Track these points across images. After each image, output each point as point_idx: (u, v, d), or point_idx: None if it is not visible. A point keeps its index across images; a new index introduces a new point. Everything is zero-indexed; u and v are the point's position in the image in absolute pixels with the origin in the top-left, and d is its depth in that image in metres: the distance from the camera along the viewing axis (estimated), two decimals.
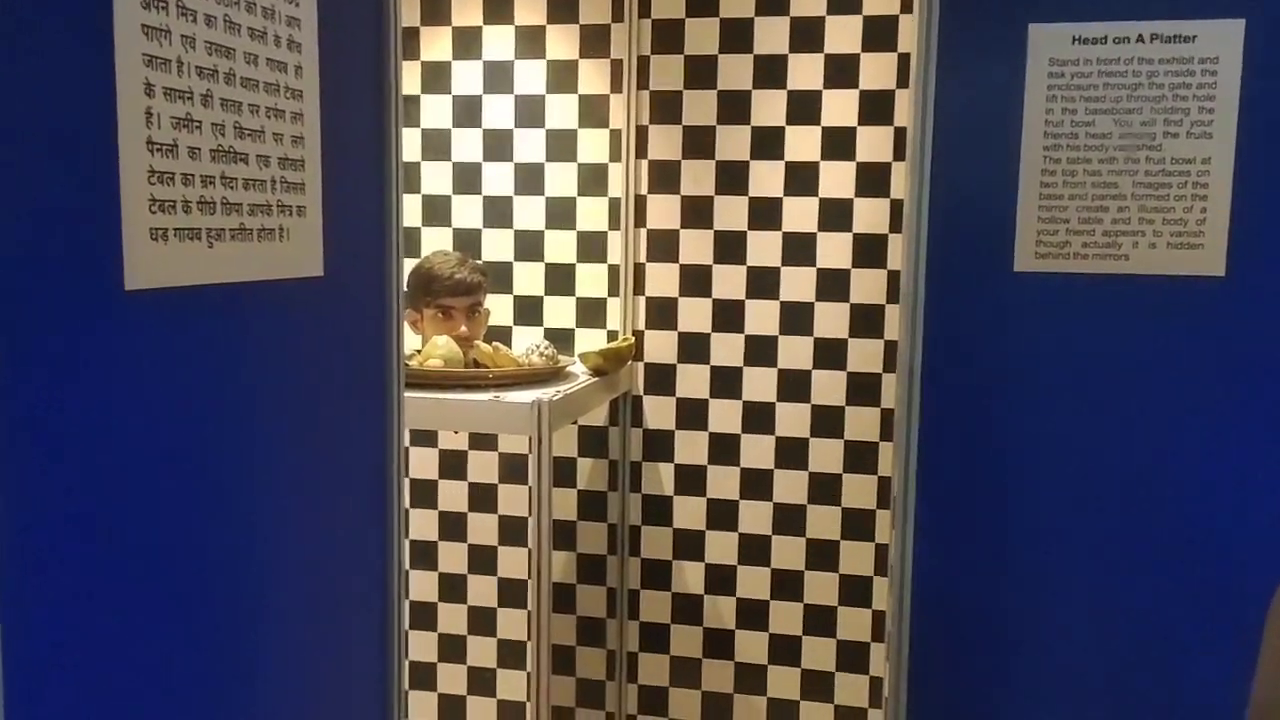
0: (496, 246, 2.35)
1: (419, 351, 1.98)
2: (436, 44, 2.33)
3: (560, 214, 2.31)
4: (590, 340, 2.31)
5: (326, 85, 1.05)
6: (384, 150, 1.18)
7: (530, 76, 2.30)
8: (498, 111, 2.32)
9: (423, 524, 2.45)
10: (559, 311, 2.34)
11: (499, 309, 2.36)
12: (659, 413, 2.32)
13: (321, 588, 1.10)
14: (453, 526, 2.44)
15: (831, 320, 2.22)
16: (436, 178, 2.36)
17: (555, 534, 2.40)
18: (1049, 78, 1.56)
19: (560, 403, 1.81)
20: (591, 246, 2.31)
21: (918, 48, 1.57)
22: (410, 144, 2.35)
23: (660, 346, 2.30)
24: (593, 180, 2.29)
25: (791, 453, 2.27)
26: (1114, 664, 1.59)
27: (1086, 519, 1.59)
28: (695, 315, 2.28)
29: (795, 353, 2.24)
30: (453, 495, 2.43)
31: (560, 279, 2.33)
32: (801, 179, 2.20)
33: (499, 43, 2.30)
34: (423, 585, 2.46)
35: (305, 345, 1.04)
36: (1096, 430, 1.59)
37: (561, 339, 2.33)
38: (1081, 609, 1.61)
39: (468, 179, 2.35)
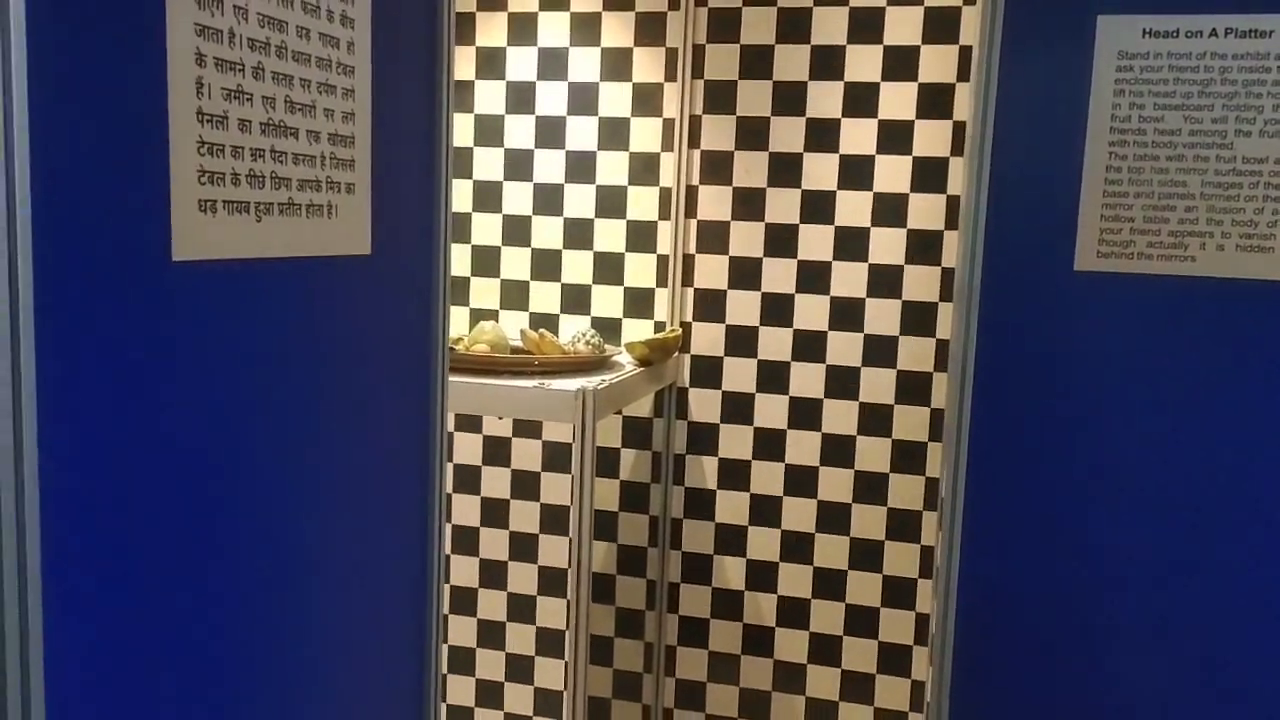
0: (546, 233, 2.34)
1: (464, 336, 1.97)
2: (492, 29, 2.33)
3: (610, 203, 2.30)
4: (637, 330, 2.30)
5: (379, 63, 1.04)
6: (434, 131, 1.17)
7: (584, 64, 2.28)
8: (551, 98, 2.31)
9: (465, 509, 2.45)
10: (607, 301, 2.33)
11: (547, 296, 2.35)
12: (704, 406, 2.30)
13: (361, 569, 1.09)
14: (494, 513, 2.44)
15: (883, 317, 2.18)
16: (488, 163, 2.36)
17: (596, 524, 2.39)
18: (1117, 71, 1.51)
19: (605, 392, 1.80)
20: (641, 236, 2.29)
21: (980, 38, 1.54)
22: (463, 129, 2.35)
23: (707, 339, 2.28)
24: (644, 169, 2.27)
25: (837, 450, 2.24)
26: (1166, 680, 1.55)
27: (1143, 531, 1.55)
28: (744, 308, 2.25)
29: (845, 349, 2.21)
30: (495, 481, 2.43)
31: (609, 268, 2.32)
32: (856, 173, 2.17)
33: (554, 29, 2.29)
34: (463, 570, 2.47)
35: (350, 323, 1.03)
36: (1156, 438, 1.54)
37: (609, 328, 2.32)
38: (1134, 622, 1.56)
39: (519, 165, 2.34)
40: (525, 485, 2.41)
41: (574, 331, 2.09)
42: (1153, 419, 1.54)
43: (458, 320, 2.38)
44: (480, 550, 2.46)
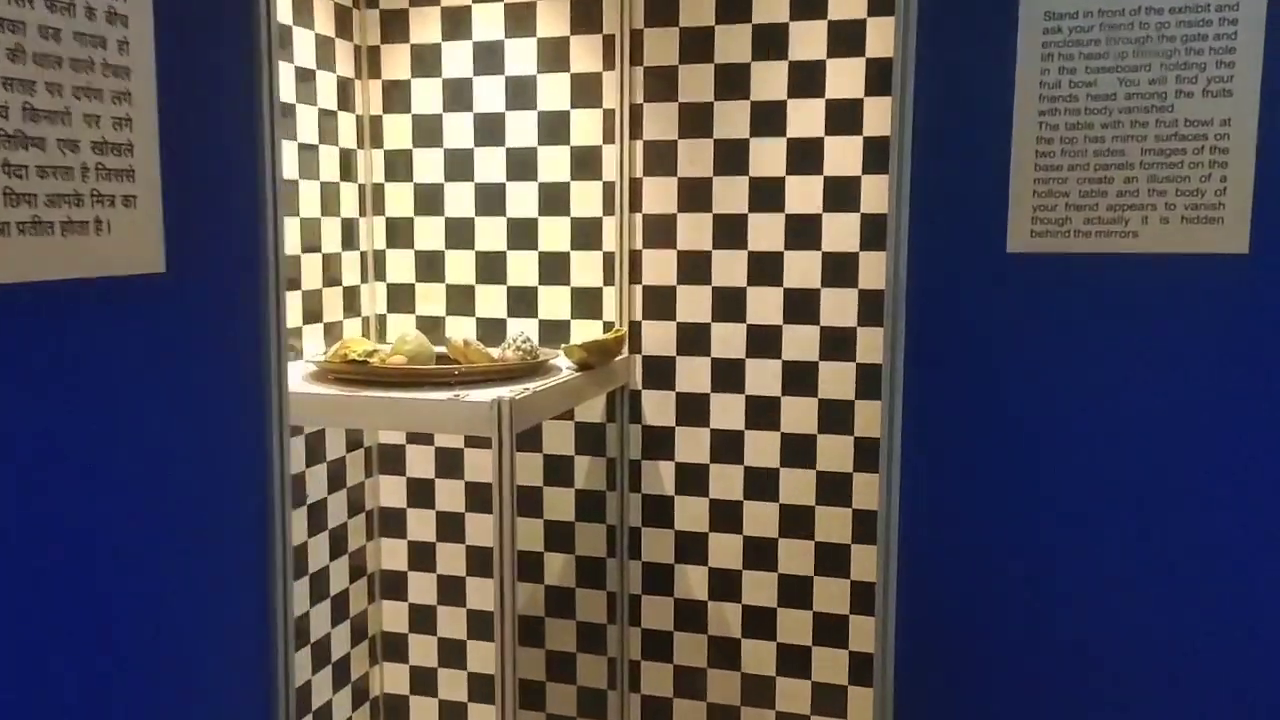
0: (489, 235, 2.25)
1: (379, 349, 1.87)
2: (426, 25, 2.23)
3: (554, 200, 2.20)
4: (586, 332, 2.20)
5: (169, 62, 0.95)
6: (256, 130, 1.07)
7: (521, 56, 2.18)
8: (489, 94, 2.21)
9: (420, 526, 2.37)
10: (554, 302, 2.23)
11: (493, 300, 2.26)
12: (658, 408, 2.19)
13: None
14: (423, 556, 2.36)
15: (839, 308, 2.06)
16: (429, 165, 2.27)
17: (553, 536, 2.30)
18: (1044, 34, 1.38)
19: (527, 401, 1.70)
20: (585, 234, 2.19)
21: (899, 4, 1.42)
22: (402, 130, 2.27)
23: (658, 338, 2.17)
24: (585, 163, 2.17)
25: (798, 450, 2.12)
26: (1113, 686, 1.42)
27: (1092, 527, 1.42)
28: (694, 304, 2.14)
29: (801, 343, 2.09)
30: (450, 495, 2.35)
31: (554, 268, 2.22)
32: (805, 157, 2.05)
33: (488, 21, 2.19)
34: (423, 587, 2.39)
35: (137, 352, 0.94)
36: (1103, 427, 1.41)
37: (557, 330, 2.22)
38: (1083, 624, 1.43)
39: (460, 166, 2.25)
40: (474, 500, 2.32)
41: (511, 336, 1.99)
42: (1099, 407, 1.40)
43: (405, 327, 2.30)
44: (438, 567, 2.38)
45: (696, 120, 2.09)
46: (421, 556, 2.39)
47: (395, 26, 2.24)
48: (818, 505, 2.12)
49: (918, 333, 1.47)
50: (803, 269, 2.07)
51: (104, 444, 0.90)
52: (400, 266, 2.31)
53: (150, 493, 0.96)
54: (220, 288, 1.04)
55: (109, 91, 0.89)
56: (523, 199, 2.22)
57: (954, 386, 1.47)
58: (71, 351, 0.87)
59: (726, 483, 2.17)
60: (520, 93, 2.19)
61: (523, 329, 2.19)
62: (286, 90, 2.03)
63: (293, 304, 2.08)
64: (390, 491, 2.39)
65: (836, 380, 2.08)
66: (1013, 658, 1.47)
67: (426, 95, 2.25)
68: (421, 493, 2.37)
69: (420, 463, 2.36)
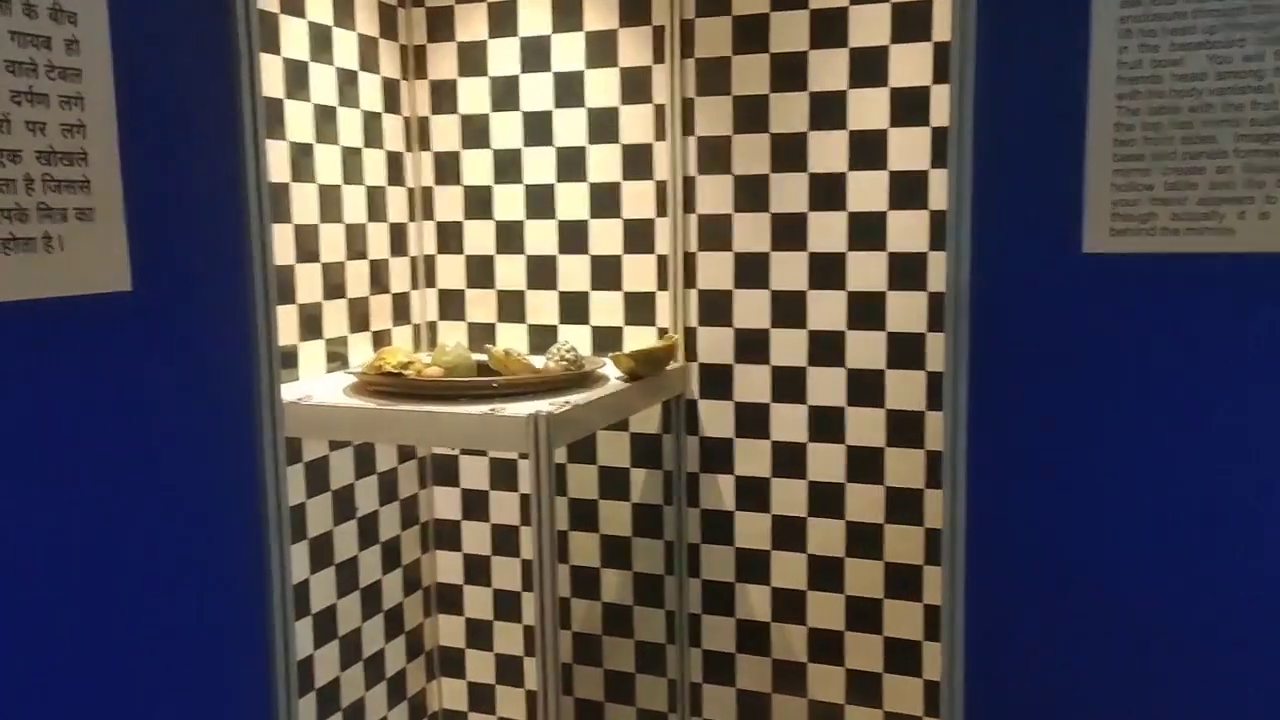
0: (540, 239, 2.16)
1: (415, 359, 1.80)
2: (472, 23, 2.16)
3: (604, 201, 2.10)
4: (639, 339, 2.10)
5: (129, 61, 0.87)
6: (237, 131, 1.00)
7: (568, 51, 2.09)
8: (536, 92, 2.12)
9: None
10: (606, 308, 2.13)
11: (544, 307, 2.17)
12: (716, 419, 2.08)
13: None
14: (478, 569, 2.28)
15: (906, 312, 1.92)
16: (477, 167, 2.20)
17: (609, 551, 2.20)
18: (1121, 7, 1.23)
19: (567, 415, 1.61)
20: (638, 236, 2.09)
21: None
22: (450, 131, 2.20)
23: (715, 345, 2.06)
24: (637, 162, 2.07)
25: (864, 465, 1.98)
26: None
27: (1181, 553, 1.26)
28: (752, 309, 2.02)
29: (866, 350, 1.95)
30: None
31: (606, 272, 2.12)
32: (868, 150, 1.91)
33: (535, 16, 2.11)
34: (478, 601, 2.32)
35: (98, 378, 0.87)
36: (1192, 444, 1.25)
37: (610, 338, 2.13)
38: (1171, 657, 1.28)
39: (508, 167, 2.17)
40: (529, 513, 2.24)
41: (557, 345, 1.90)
42: (1185, 425, 1.25)
43: (456, 334, 2.23)
44: (493, 581, 2.31)
45: (752, 114, 1.97)
46: (476, 570, 2.32)
47: (441, 24, 2.18)
48: (887, 523, 1.98)
49: (983, 341, 1.33)
50: (867, 271, 1.93)
51: (57, 484, 0.83)
52: (451, 272, 2.25)
53: (128, 541, 0.89)
54: (199, 306, 0.96)
55: (55, 96, 0.82)
56: (573, 200, 2.13)
57: (1024, 399, 1.32)
58: (21, 379, 0.80)
59: (789, 498, 2.05)
60: (568, 90, 2.10)
61: (568, 338, 2.10)
62: (328, 93, 1.98)
63: (339, 312, 2.03)
64: (445, 503, 2.32)
65: (905, 390, 1.94)
66: (1093, 695, 1.32)
67: (474, 95, 2.17)
68: (476, 505, 2.30)
69: (474, 474, 2.29)
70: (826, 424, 2.00)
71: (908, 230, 1.90)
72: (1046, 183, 1.28)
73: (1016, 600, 1.35)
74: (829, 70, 1.91)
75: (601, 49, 2.06)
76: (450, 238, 2.23)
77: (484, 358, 1.87)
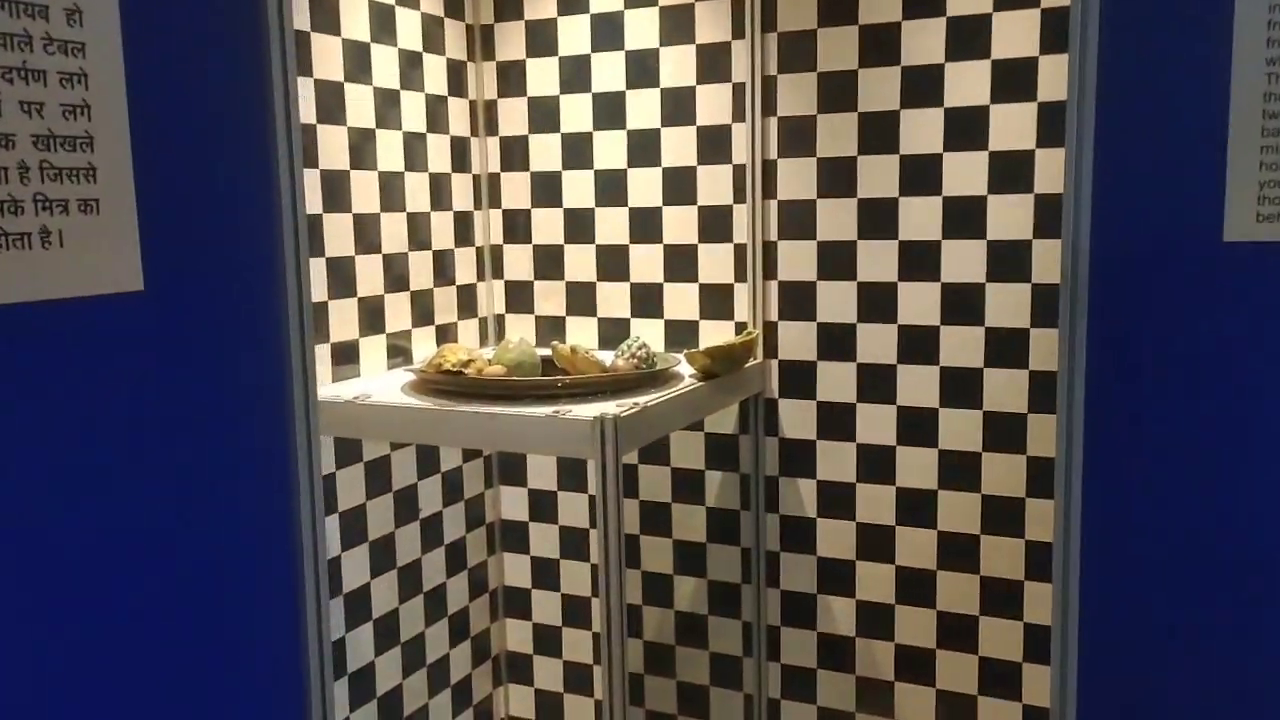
0: (611, 228, 2.05)
1: (476, 357, 1.69)
2: (541, 0, 2.05)
3: (679, 186, 1.98)
4: (716, 335, 1.97)
5: (140, 34, 0.78)
6: (266, 109, 0.90)
7: (642, 28, 1.97)
8: (608, 72, 2.01)
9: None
10: (681, 301, 2.01)
11: (615, 299, 2.06)
12: (797, 419, 1.94)
13: None
14: (546, 573, 2.18)
15: (1007, 306, 1.76)
16: (545, 152, 2.09)
17: (682, 557, 2.08)
18: None
19: (635, 417, 1.49)
20: (714, 224, 1.96)
21: None
22: (518, 116, 2.10)
23: (796, 340, 1.92)
24: (714, 145, 1.94)
25: (959, 471, 1.83)
26: None
27: None
28: (837, 302, 1.88)
29: (962, 347, 1.80)
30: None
31: (681, 263, 2.00)
32: (966, 129, 1.75)
33: None
34: (547, 606, 2.23)
35: (107, 386, 0.78)
36: None
37: (685, 333, 2.01)
38: None
39: (578, 152, 2.06)
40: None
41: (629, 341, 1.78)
42: None
43: (524, 328, 2.13)
44: (561, 585, 2.21)
45: (838, 91, 1.83)
46: (544, 574, 2.22)
47: (509, 2, 2.07)
48: (983, 534, 1.83)
49: (1103, 340, 1.18)
50: (963, 261, 1.78)
51: (59, 508, 0.75)
52: (518, 263, 2.14)
53: (154, 562, 0.80)
54: (222, 307, 0.87)
55: (55, 72, 0.73)
56: (646, 186, 2.01)
57: (1149, 403, 1.17)
58: (19, 390, 0.71)
59: (875, 505, 1.91)
60: (642, 69, 1.98)
61: (639, 334, 1.98)
62: (389, 77, 1.89)
63: (401, 305, 1.94)
64: (511, 504, 2.23)
65: (1005, 390, 1.78)
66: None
67: (542, 76, 2.06)
68: (544, 506, 2.20)
69: (542, 473, 2.19)
70: (917, 426, 1.85)
71: (1010, 216, 1.74)
72: (1180, 162, 1.12)
73: (1135, 625, 1.21)
74: (924, 42, 1.76)
75: (677, 24, 1.94)
76: (517, 227, 2.13)
77: (550, 354, 1.76)
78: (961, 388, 1.81)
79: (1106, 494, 1.19)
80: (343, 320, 1.81)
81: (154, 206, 0.80)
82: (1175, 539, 1.16)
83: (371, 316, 1.87)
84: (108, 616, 0.77)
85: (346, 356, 1.83)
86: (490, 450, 2.14)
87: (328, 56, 1.75)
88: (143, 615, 0.80)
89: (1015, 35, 1.70)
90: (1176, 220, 1.13)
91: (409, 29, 1.93)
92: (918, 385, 1.84)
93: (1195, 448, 1.15)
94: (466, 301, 2.13)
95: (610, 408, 1.50)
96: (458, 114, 2.07)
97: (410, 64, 1.94)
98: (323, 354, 1.77)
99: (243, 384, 0.89)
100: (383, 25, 1.87)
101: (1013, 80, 1.71)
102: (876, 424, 1.88)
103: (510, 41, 2.08)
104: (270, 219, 0.91)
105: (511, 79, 2.09)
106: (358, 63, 1.81)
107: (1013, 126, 1.72)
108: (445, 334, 2.06)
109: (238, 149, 0.88)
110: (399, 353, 1.95)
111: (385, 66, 1.87)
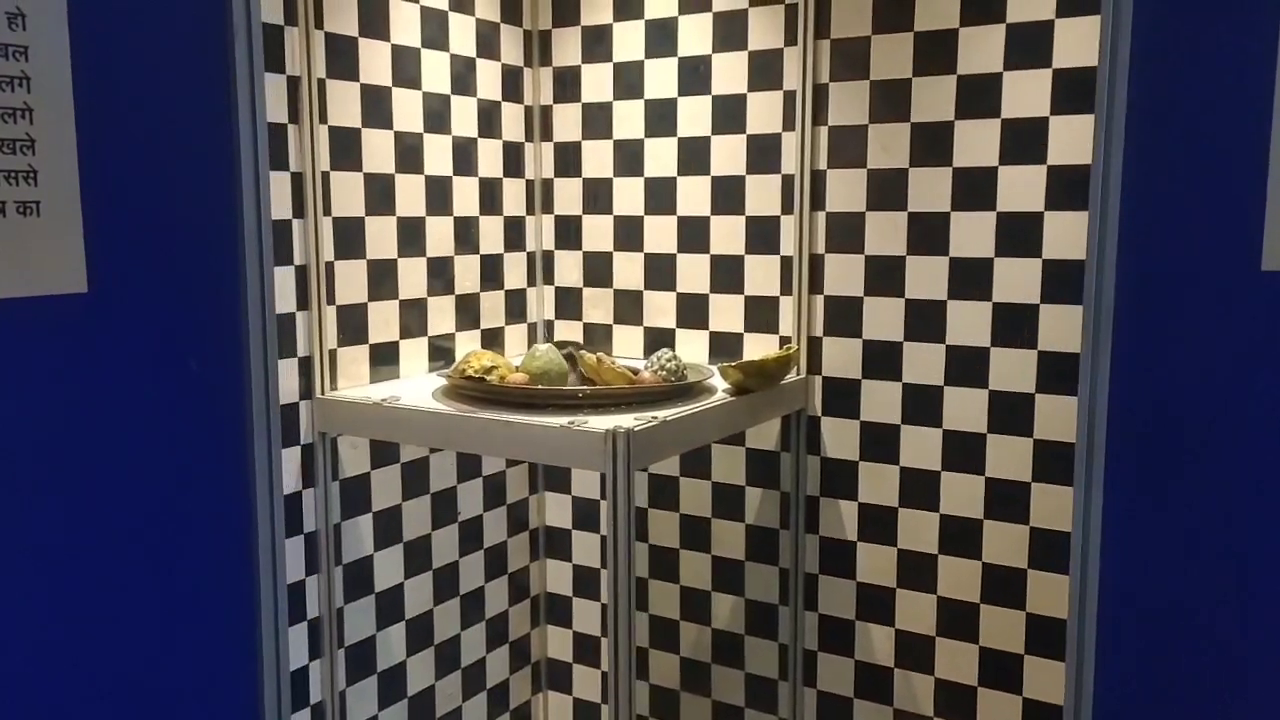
0: (659, 236, 2.02)
1: (499, 364, 1.68)
2: (598, 6, 2.03)
3: (727, 196, 1.94)
4: (760, 347, 1.92)
5: (92, 31, 0.78)
6: (228, 112, 0.90)
7: (695, 34, 1.93)
8: (661, 79, 1.98)
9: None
10: (726, 312, 1.97)
11: (662, 308, 2.03)
12: (840, 438, 1.88)
13: None
14: (587, 581, 2.15)
15: (1062, 329, 1.67)
16: (597, 159, 2.07)
17: (720, 574, 2.04)
18: None
19: (652, 432, 1.46)
20: (761, 235, 1.91)
21: None
22: (571, 121, 2.08)
23: (841, 357, 1.86)
24: (763, 154, 1.89)
25: (1007, 500, 1.74)
26: None
27: None
28: (884, 319, 1.81)
29: (1013, 370, 1.71)
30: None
31: (727, 274, 1.95)
32: (1024, 141, 1.66)
33: None
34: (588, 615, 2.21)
35: (46, 388, 0.78)
36: None
37: (729, 345, 1.96)
38: None
39: (630, 159, 2.03)
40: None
41: (656, 353, 1.74)
42: None
43: (573, 334, 2.12)
44: (602, 595, 2.19)
45: (891, 100, 1.76)
46: (585, 583, 2.21)
47: (566, 8, 2.06)
48: (1030, 569, 1.74)
49: (1131, 374, 1.10)
50: (1017, 279, 1.69)
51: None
52: (568, 269, 2.13)
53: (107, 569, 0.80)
54: (173, 312, 0.87)
55: None
56: (695, 195, 1.97)
57: (1182, 439, 1.08)
58: None
59: (918, 532, 1.83)
60: (693, 76, 1.94)
61: (671, 347, 1.95)
62: (441, 82, 1.90)
63: (446, 308, 1.95)
64: (556, 510, 2.22)
65: (1057, 418, 1.68)
66: None
67: (597, 82, 2.05)
68: (587, 514, 2.18)
69: (585, 480, 2.17)
70: (964, 451, 1.77)
71: (1068, 234, 1.64)
72: (1217, 187, 1.04)
73: (1156, 680, 1.12)
74: (982, 50, 1.68)
75: (730, 31, 1.90)
76: (569, 233, 2.12)
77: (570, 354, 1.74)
78: (1011, 413, 1.72)
79: (1139, 544, 1.11)
80: (383, 321, 1.82)
81: (102, 209, 0.80)
82: (1220, 593, 1.08)
83: (414, 318, 1.88)
84: (38, 629, 0.78)
85: (386, 358, 1.84)
86: (503, 458, 2.13)
87: (375, 63, 1.76)
88: (71, 633, 0.81)
89: (1078, 43, 1.61)
90: (1213, 248, 1.04)
91: (463, 35, 1.94)
92: (965, 408, 1.76)
93: (1240, 494, 1.06)
94: (516, 306, 2.12)
95: (628, 420, 1.47)
96: (512, 119, 2.07)
97: (464, 69, 1.94)
98: (361, 355, 1.79)
99: (195, 390, 0.89)
100: (436, 31, 1.88)
101: (1075, 90, 1.62)
102: (921, 447, 1.80)
103: (567, 47, 2.07)
104: (233, 223, 0.91)
105: (567, 84, 2.08)
106: (407, 68, 1.82)
107: (1074, 139, 1.63)
108: (492, 338, 2.07)
109: (198, 151, 0.88)
110: (442, 355, 1.95)
111: (436, 72, 1.88)
